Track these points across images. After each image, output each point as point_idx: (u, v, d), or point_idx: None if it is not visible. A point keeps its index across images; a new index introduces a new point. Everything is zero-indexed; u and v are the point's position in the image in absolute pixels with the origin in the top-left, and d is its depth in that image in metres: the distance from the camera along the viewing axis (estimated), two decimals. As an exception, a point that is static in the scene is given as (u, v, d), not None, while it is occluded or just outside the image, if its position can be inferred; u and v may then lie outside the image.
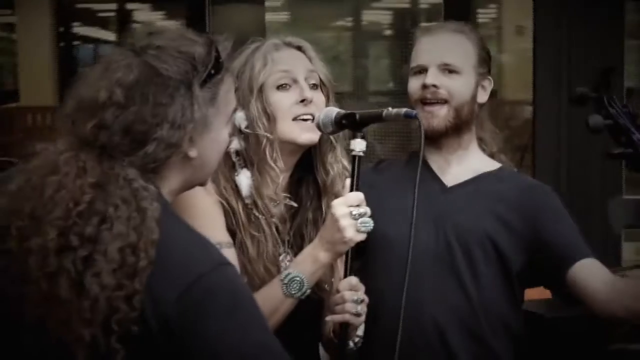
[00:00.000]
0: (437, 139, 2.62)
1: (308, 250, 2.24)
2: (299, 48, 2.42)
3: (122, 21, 12.17)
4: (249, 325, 1.65)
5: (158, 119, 1.69)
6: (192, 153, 1.75)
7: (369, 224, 2.19)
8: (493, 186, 2.62)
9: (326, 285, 2.40)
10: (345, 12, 9.94)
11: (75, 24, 12.26)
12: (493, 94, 2.79)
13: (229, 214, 2.28)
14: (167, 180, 1.75)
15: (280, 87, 2.34)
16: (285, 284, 2.21)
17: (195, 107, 1.72)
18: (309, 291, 2.23)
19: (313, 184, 2.44)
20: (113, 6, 12.08)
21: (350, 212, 2.17)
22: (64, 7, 10.97)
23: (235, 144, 2.32)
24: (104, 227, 1.63)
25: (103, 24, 13.70)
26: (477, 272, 2.54)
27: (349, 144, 2.27)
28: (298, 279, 2.21)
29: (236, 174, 2.33)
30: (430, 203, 2.59)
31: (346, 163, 2.41)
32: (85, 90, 1.72)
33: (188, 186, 1.83)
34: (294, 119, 2.33)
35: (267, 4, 10.86)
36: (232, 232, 2.29)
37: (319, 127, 2.28)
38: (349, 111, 2.27)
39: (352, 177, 2.22)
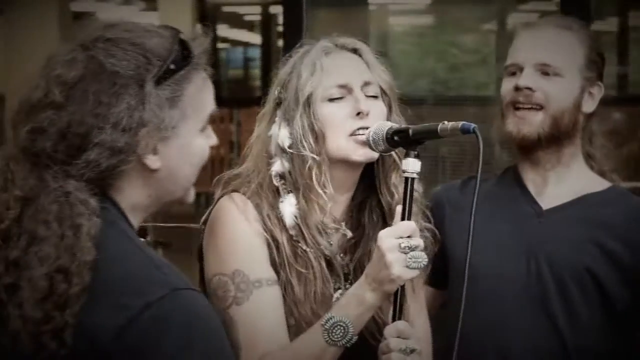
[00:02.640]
0: (531, 151, 2.29)
1: (353, 290, 1.92)
2: (355, 51, 2.09)
3: (267, 24, 12.20)
4: None
5: (99, 121, 1.44)
6: (153, 163, 1.50)
7: (421, 259, 1.87)
8: (597, 210, 2.27)
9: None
10: (491, 15, 9.69)
11: (220, 26, 12.34)
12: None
13: (272, 248, 1.99)
14: (125, 193, 1.51)
15: (333, 100, 2.03)
16: (326, 329, 1.88)
17: (146, 107, 1.46)
18: (355, 338, 1.90)
19: (377, 209, 2.12)
20: (258, 9, 12.13)
21: (399, 245, 1.86)
22: (207, 10, 11.05)
23: (279, 166, 2.03)
24: (32, 249, 1.41)
25: (249, 26, 13.78)
26: (574, 312, 2.21)
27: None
28: (342, 324, 1.88)
29: (281, 200, 2.02)
30: (523, 229, 2.28)
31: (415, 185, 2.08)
32: (26, 90, 1.51)
33: (161, 202, 1.57)
34: (350, 135, 2.02)
35: (411, 6, 10.69)
36: (275, 270, 2.00)
37: (369, 144, 1.99)
38: (402, 126, 1.99)
39: (405, 203, 1.91)
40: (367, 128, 2.00)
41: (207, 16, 11.18)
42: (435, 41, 10.14)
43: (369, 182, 2.11)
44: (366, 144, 2.00)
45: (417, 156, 1.92)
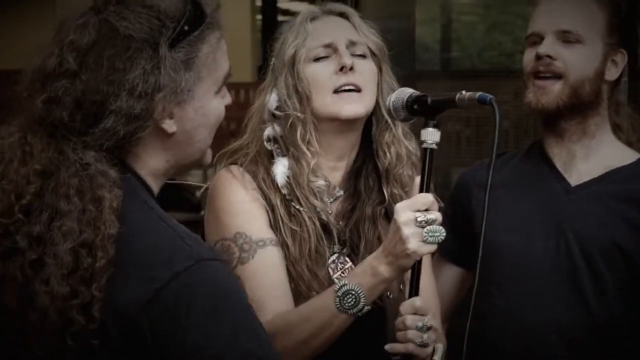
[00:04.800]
0: (553, 122, 2.23)
1: (369, 260, 1.91)
2: (342, 15, 2.12)
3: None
4: (235, 332, 1.39)
5: (114, 87, 1.43)
6: (170, 127, 1.48)
7: (439, 233, 1.82)
8: (625, 185, 2.21)
9: (389, 293, 2.05)
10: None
11: (280, -1, 12.18)
12: None
13: (269, 212, 2.02)
14: (143, 160, 1.50)
15: (318, 59, 2.05)
16: (338, 296, 1.88)
17: (162, 71, 1.44)
18: (367, 308, 1.89)
19: (373, 173, 2.11)
20: (320, -19, 11.93)
21: (415, 219, 1.81)
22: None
23: (270, 130, 2.06)
24: (54, 224, 1.40)
25: (310, -1, 13.62)
26: (604, 288, 2.17)
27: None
28: (353, 292, 1.87)
29: (274, 161, 2.05)
30: (551, 207, 2.23)
31: (409, 146, 2.09)
32: (37, 58, 1.47)
33: (178, 166, 1.55)
34: (335, 91, 2.03)
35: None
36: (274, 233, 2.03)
37: (389, 112, 1.96)
38: (421, 93, 1.92)
39: (423, 174, 1.87)
40: (352, 85, 2.02)
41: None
42: (502, 13, 9.90)
43: (365, 148, 2.11)
44: (354, 99, 2.01)
45: (436, 126, 1.89)
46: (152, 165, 1.51)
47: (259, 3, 11.48)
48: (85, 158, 1.43)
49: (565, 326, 2.17)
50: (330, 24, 2.10)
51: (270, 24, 11.33)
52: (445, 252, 2.31)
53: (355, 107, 2.02)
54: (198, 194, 8.81)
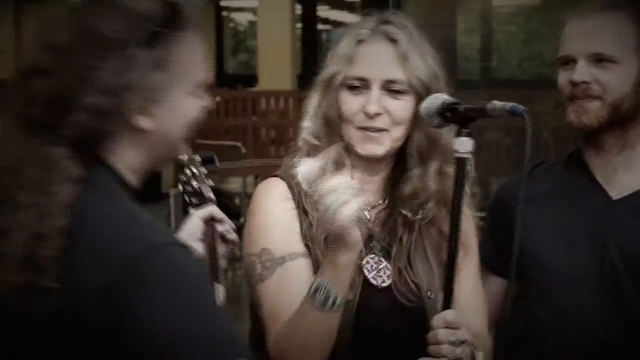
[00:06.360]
0: (594, 136, 2.19)
1: (327, 254, 1.89)
2: (393, 41, 2.00)
3: (368, 5, 11.99)
4: (191, 317, 1.40)
5: (86, 84, 1.47)
6: (144, 124, 1.52)
7: (342, 199, 1.76)
8: None
9: (430, 293, 2.02)
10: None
11: (320, 7, 12.22)
12: None
13: (302, 217, 2.01)
14: (119, 154, 1.54)
15: (352, 88, 2.00)
16: (310, 295, 1.85)
17: (132, 70, 1.48)
18: (340, 299, 1.84)
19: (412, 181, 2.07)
20: (359, -10, 11.95)
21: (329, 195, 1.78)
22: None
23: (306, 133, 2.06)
24: (11, 216, 1.45)
25: (350, 7, 13.65)
26: None
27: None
28: (321, 287, 1.83)
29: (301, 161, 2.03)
30: (592, 220, 2.18)
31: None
32: (23, 57, 1.54)
33: (155, 162, 1.60)
34: (360, 128, 2.00)
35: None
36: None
37: (423, 117, 1.92)
38: (454, 100, 1.88)
39: (456, 185, 1.84)
40: (376, 128, 1.98)
41: (307, -3, 11.03)
42: (542, 23, 9.85)
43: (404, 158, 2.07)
44: (375, 140, 1.99)
45: (469, 134, 1.84)
46: (129, 160, 1.55)
47: (299, 12, 11.50)
48: (52, 154, 1.47)
49: (612, 342, 2.14)
50: (374, 52, 2.01)
51: (310, 32, 11.36)
52: (487, 264, 2.29)
53: (374, 148, 1.99)
54: (237, 201, 8.84)
